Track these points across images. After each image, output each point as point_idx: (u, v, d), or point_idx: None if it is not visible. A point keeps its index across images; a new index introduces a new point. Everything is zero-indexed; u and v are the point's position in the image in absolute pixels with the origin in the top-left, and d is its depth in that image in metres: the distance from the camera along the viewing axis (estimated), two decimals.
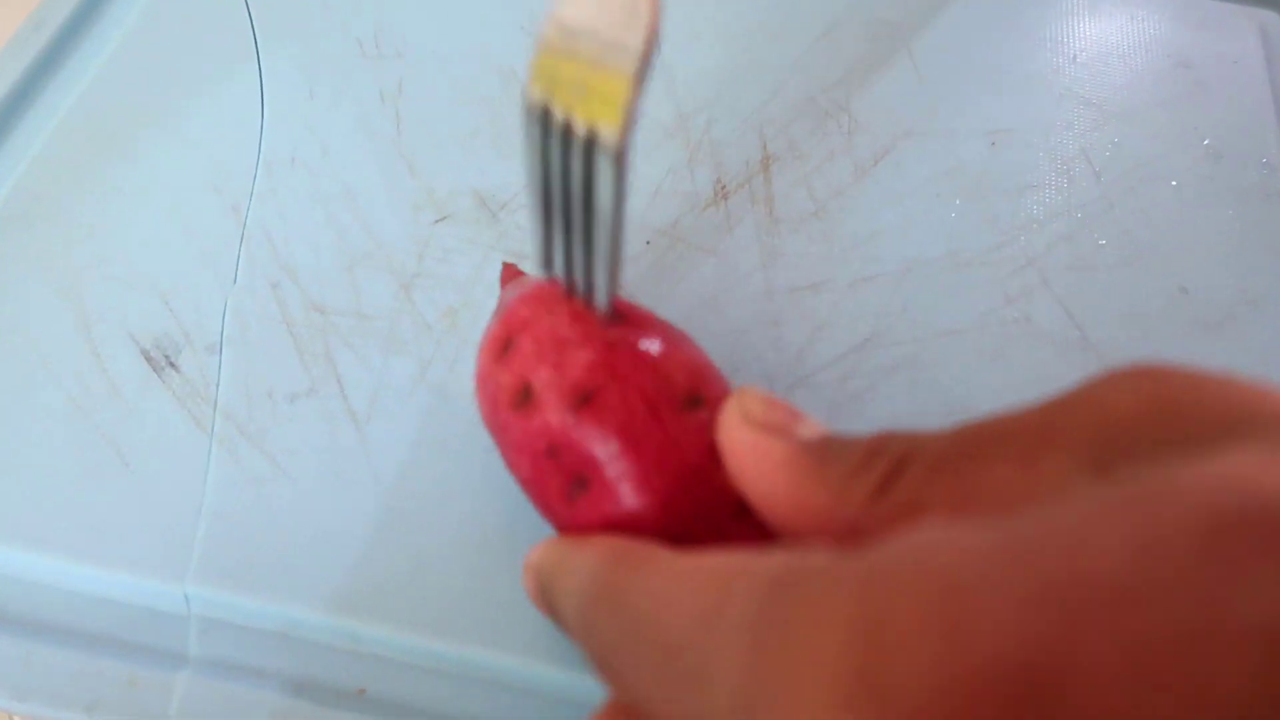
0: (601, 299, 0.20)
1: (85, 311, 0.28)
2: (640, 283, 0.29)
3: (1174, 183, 0.32)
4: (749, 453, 0.18)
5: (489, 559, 0.24)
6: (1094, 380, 0.15)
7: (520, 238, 0.30)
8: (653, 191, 0.31)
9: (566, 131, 0.17)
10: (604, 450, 0.19)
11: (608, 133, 0.16)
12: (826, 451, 0.17)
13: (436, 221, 0.30)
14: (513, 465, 0.22)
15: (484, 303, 0.28)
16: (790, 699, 0.11)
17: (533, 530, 0.24)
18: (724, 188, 0.31)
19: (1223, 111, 0.34)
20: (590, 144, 0.17)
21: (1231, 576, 0.10)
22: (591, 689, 0.23)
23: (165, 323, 0.28)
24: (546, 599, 0.20)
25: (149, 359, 0.27)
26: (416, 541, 0.24)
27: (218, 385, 0.27)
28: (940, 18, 0.36)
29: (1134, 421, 0.13)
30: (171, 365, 0.27)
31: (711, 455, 0.19)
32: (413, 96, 0.33)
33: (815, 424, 0.18)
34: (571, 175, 0.18)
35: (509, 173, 0.31)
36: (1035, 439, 0.14)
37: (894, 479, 0.16)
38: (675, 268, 0.29)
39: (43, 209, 0.30)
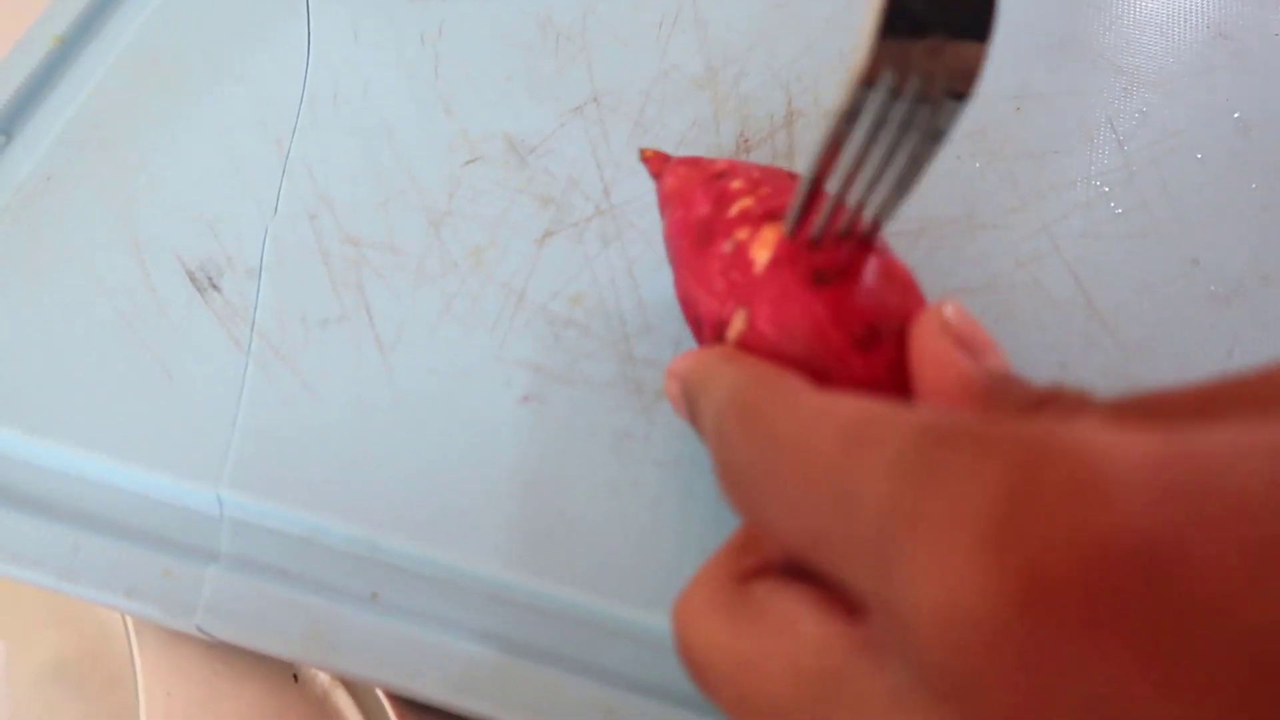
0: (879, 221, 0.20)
1: (136, 234, 0.30)
2: (658, 231, 0.30)
3: (1199, 155, 0.32)
4: (934, 360, 0.18)
5: (497, 480, 0.26)
6: (1265, 367, 0.15)
7: (547, 181, 0.31)
8: (677, 143, 0.32)
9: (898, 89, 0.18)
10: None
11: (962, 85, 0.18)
12: (1006, 384, 0.18)
13: (468, 163, 0.31)
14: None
15: (509, 243, 0.30)
16: (933, 534, 0.12)
17: (538, 453, 0.26)
18: (747, 141, 0.32)
19: (1258, 84, 0.34)
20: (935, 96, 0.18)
21: None
22: (593, 609, 0.24)
23: (210, 247, 0.29)
24: (690, 404, 0.21)
25: (194, 280, 0.29)
26: (431, 461, 0.26)
27: (255, 307, 0.28)
28: None
29: None
30: (214, 287, 0.29)
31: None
32: (452, 40, 0.34)
33: (1003, 358, 0.19)
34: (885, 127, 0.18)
35: (540, 117, 0.32)
36: (1196, 410, 0.15)
37: (1047, 408, 0.16)
38: None
39: (100, 136, 0.32)
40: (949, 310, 0.19)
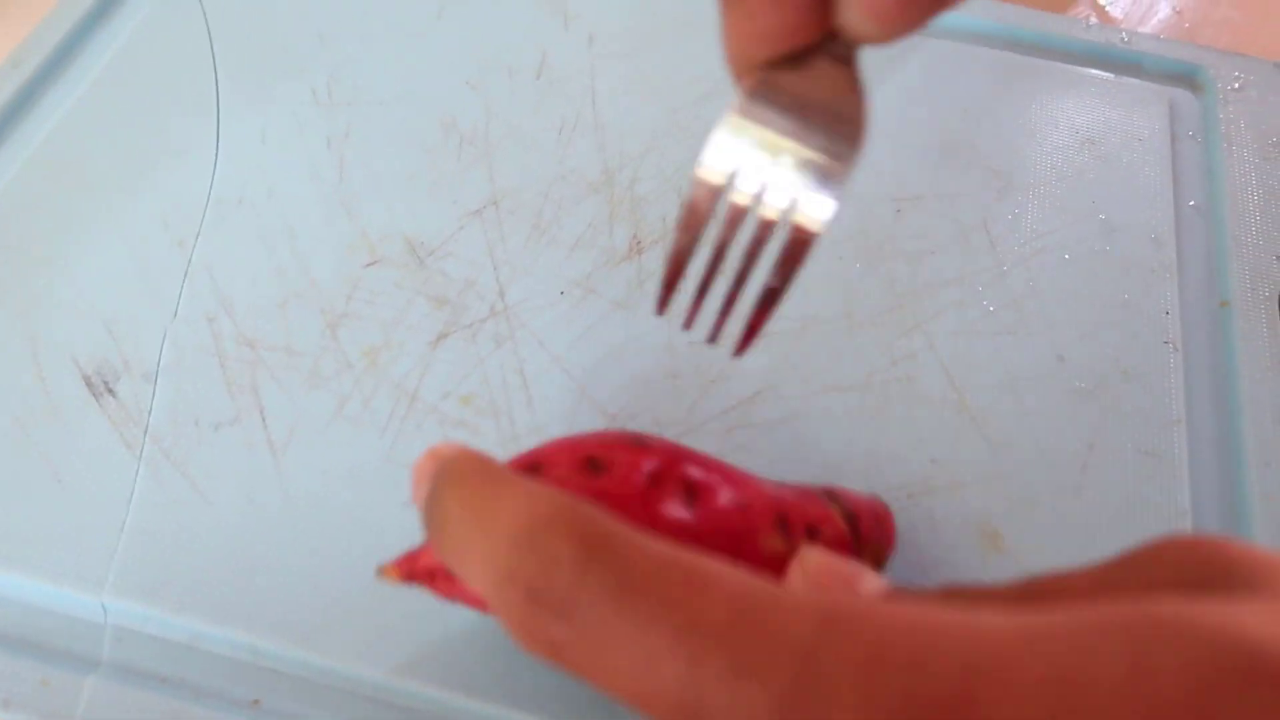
0: (742, 346, 0.21)
1: (35, 335, 0.30)
2: (551, 331, 0.31)
3: (1066, 255, 0.34)
4: None
5: (386, 586, 0.26)
6: (1154, 543, 0.16)
7: (444, 282, 0.32)
8: (572, 244, 0.33)
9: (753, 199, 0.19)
10: None
11: (829, 176, 0.19)
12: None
13: (368, 265, 0.32)
14: None
15: (404, 344, 0.31)
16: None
17: None
18: (639, 243, 0.33)
19: (1121, 187, 0.36)
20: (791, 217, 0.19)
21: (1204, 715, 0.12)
22: (472, 711, 0.25)
23: (107, 350, 0.30)
24: (444, 500, 0.18)
25: (89, 384, 0.29)
26: (317, 564, 0.27)
27: (150, 411, 0.29)
28: None
29: (1176, 577, 0.15)
30: (109, 390, 0.29)
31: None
32: (358, 143, 0.35)
33: (876, 580, 0.20)
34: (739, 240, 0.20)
35: (441, 219, 0.33)
36: (1095, 592, 0.16)
37: None
38: (586, 318, 0.32)
39: (4, 237, 0.32)
40: (807, 559, 0.20)
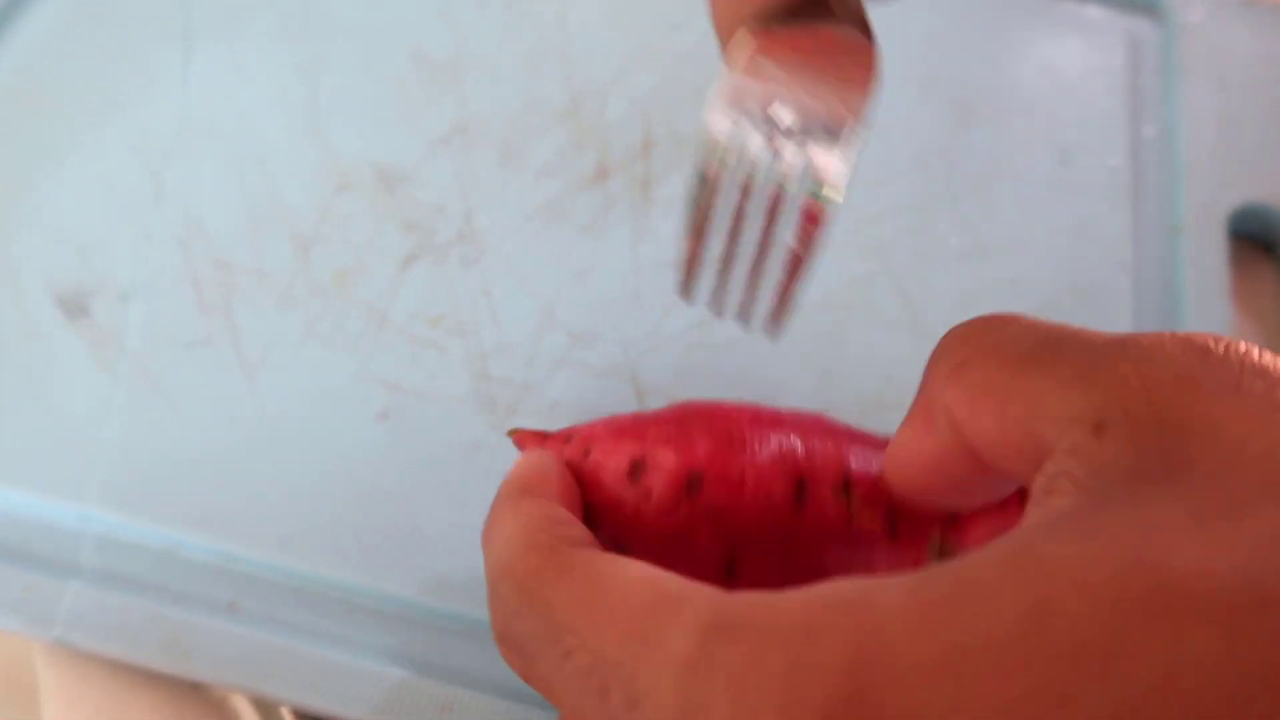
0: (776, 326, 0.21)
1: (10, 259, 0.31)
2: (518, 254, 0.32)
3: (1023, 181, 0.35)
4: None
5: (353, 492, 0.27)
6: (1153, 338, 0.15)
7: (413, 207, 0.33)
8: (539, 170, 0.34)
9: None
10: None
11: (832, 188, 0.18)
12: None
13: (337, 190, 0.33)
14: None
15: (374, 267, 0.31)
16: None
17: (395, 466, 0.28)
18: (605, 170, 0.34)
19: (1079, 115, 0.37)
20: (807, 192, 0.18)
21: (1108, 658, 0.11)
22: (439, 612, 0.26)
23: (81, 273, 0.31)
24: (485, 530, 0.20)
25: (64, 305, 0.30)
26: (290, 476, 0.28)
27: (124, 331, 0.30)
28: None
29: (1140, 408, 0.14)
30: (84, 312, 0.30)
31: None
32: (328, 72, 0.35)
33: None
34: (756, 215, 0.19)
35: (409, 147, 0.34)
36: (1080, 371, 0.15)
37: (969, 362, 0.17)
38: (552, 241, 0.32)
39: None
40: None
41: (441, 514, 0.27)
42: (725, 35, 0.19)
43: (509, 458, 0.28)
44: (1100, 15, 0.40)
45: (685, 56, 0.37)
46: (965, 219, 0.34)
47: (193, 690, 0.28)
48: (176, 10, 0.36)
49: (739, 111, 0.18)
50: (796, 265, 0.19)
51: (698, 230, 0.20)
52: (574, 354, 0.30)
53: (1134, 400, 0.14)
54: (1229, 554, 0.11)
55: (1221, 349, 0.15)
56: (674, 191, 0.34)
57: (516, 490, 0.21)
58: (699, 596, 0.15)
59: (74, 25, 0.36)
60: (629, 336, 0.31)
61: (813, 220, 0.19)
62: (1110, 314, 0.33)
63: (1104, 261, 0.34)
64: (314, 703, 0.25)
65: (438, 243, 0.32)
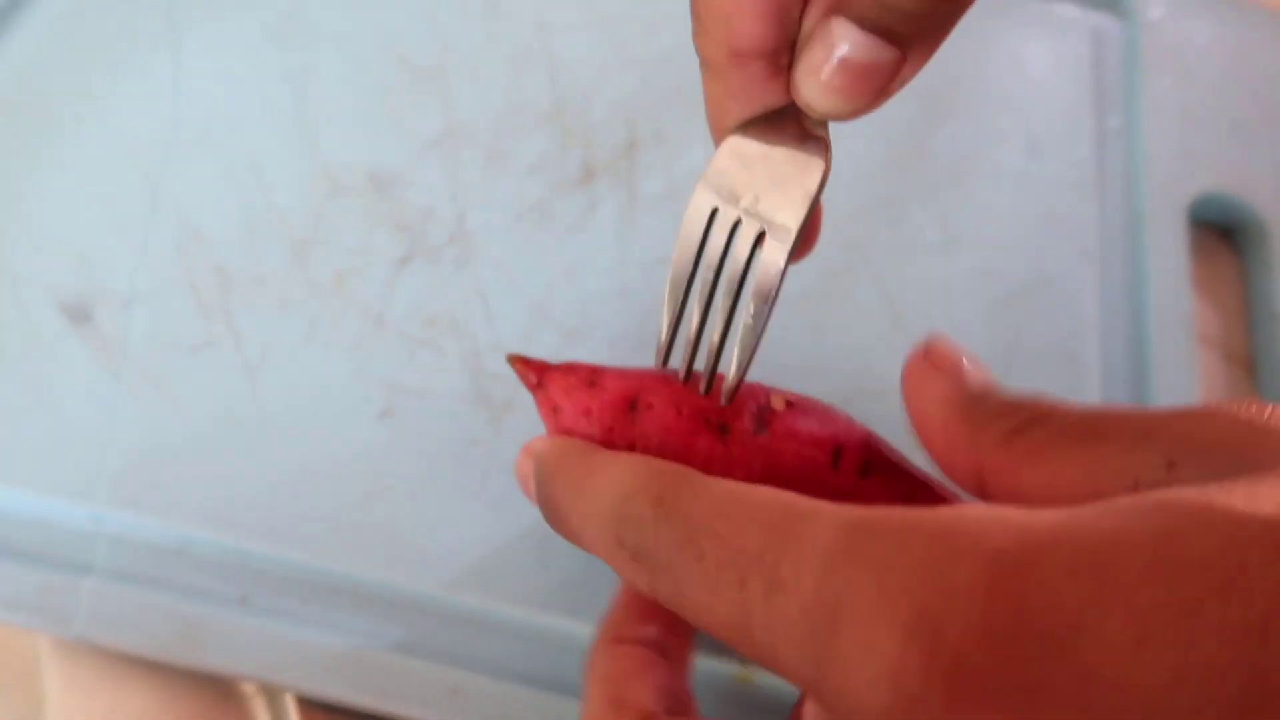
0: (729, 387, 0.22)
1: (12, 269, 0.31)
2: (508, 253, 0.33)
3: (992, 173, 0.36)
4: (920, 383, 0.21)
5: (358, 489, 0.28)
6: (1197, 406, 0.17)
7: (404, 210, 0.34)
8: (526, 171, 0.35)
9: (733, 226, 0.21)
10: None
11: (783, 229, 0.20)
12: (980, 396, 0.20)
13: (330, 196, 0.34)
14: None
15: (369, 269, 0.32)
16: (860, 619, 0.14)
17: (396, 461, 0.29)
18: (590, 169, 0.35)
19: (1046, 108, 0.38)
20: (762, 235, 0.21)
21: (1230, 582, 0.13)
22: (440, 600, 0.27)
23: (83, 280, 0.31)
24: (555, 502, 0.21)
25: (67, 311, 0.31)
26: (295, 474, 0.29)
27: (128, 336, 0.30)
28: None
29: (1206, 445, 0.16)
30: (88, 318, 0.31)
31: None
32: (315, 79, 0.36)
33: (983, 375, 0.21)
34: (722, 269, 0.21)
35: (399, 151, 0.35)
36: (1139, 433, 0.17)
37: (1024, 431, 0.18)
38: (541, 241, 0.33)
39: None
40: (933, 342, 0.22)
41: (443, 506, 0.28)
42: (717, 139, 0.21)
43: (504, 449, 0.29)
44: (1066, 12, 0.41)
45: (664, 57, 0.38)
46: (939, 211, 0.35)
47: (197, 684, 0.29)
48: (165, 21, 0.37)
49: (715, 192, 0.21)
50: (748, 336, 0.21)
51: (673, 314, 0.22)
52: (565, 350, 0.31)
53: (1197, 442, 0.16)
54: None
55: (1270, 407, 0.17)
56: (658, 189, 0.35)
57: (578, 452, 0.22)
58: (835, 507, 0.16)
59: (65, 38, 0.36)
60: (618, 331, 0.32)
61: (758, 294, 0.21)
62: (1076, 300, 0.34)
63: (1069, 250, 0.35)
64: (325, 690, 0.26)
65: (430, 244, 0.33)
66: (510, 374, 0.30)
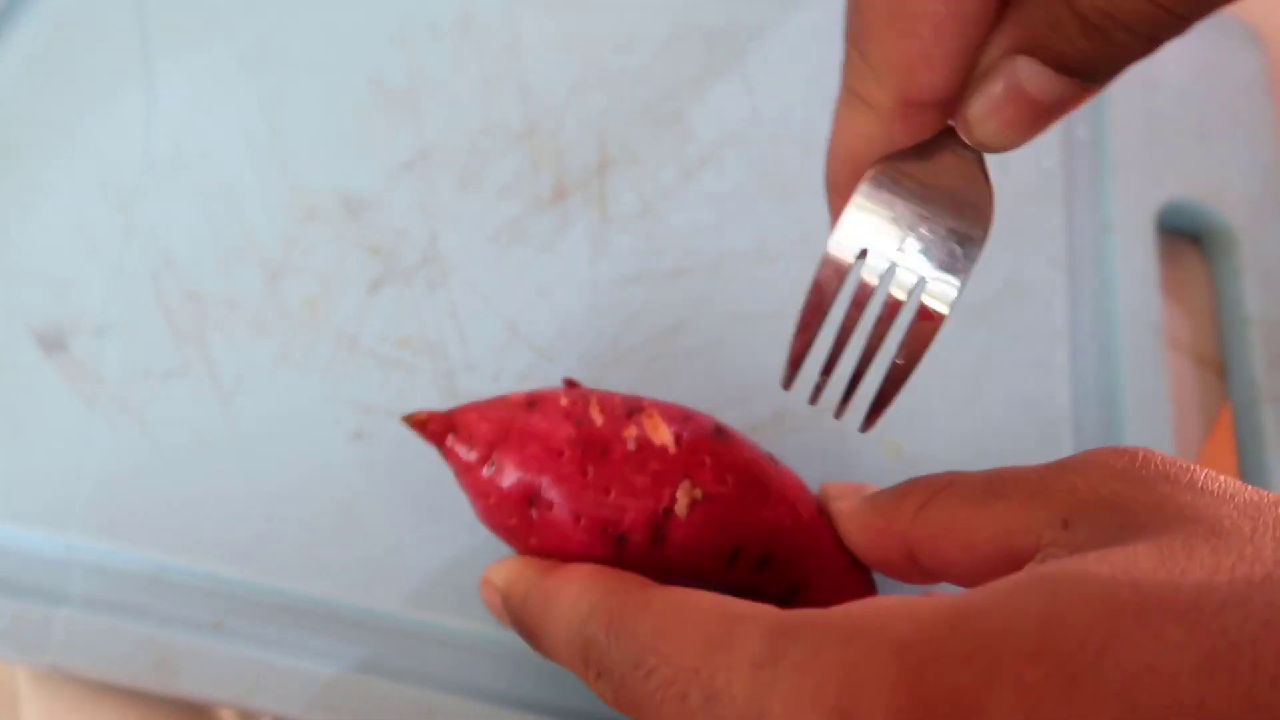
0: (869, 422, 0.22)
1: None
2: (481, 274, 0.33)
3: None
4: (835, 511, 0.25)
5: (331, 512, 0.28)
6: (1081, 458, 0.19)
7: (377, 233, 0.34)
8: (499, 192, 0.35)
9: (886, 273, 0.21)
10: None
11: (939, 300, 0.20)
12: (881, 491, 0.23)
13: (303, 219, 0.34)
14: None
15: (342, 292, 0.32)
16: (788, 716, 0.16)
17: (370, 483, 0.29)
18: (563, 189, 0.35)
19: None
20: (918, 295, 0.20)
21: (1104, 649, 0.14)
22: (417, 621, 0.27)
23: (57, 308, 0.31)
24: (526, 627, 0.23)
25: (41, 340, 0.31)
26: (269, 498, 0.29)
27: (101, 364, 0.30)
28: (774, 31, 0.40)
29: (1094, 502, 0.18)
30: (62, 347, 0.31)
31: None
32: (288, 103, 0.36)
33: (875, 488, 0.24)
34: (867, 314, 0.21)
35: (372, 174, 0.35)
36: (1034, 492, 0.19)
37: (932, 503, 0.21)
38: (513, 260, 0.34)
39: None
40: (825, 487, 0.26)
41: (417, 527, 0.28)
42: (842, 170, 0.21)
43: None
44: None
45: (635, 76, 0.38)
46: None
47: (176, 710, 0.29)
48: (139, 49, 0.37)
49: (861, 230, 0.21)
50: (899, 375, 0.21)
51: (806, 334, 0.22)
52: (539, 369, 0.32)
53: (1086, 498, 0.18)
54: (1188, 576, 0.15)
55: (1142, 455, 0.19)
56: (629, 208, 0.35)
57: (534, 574, 0.23)
58: (761, 611, 0.18)
59: (37, 67, 0.37)
60: (591, 350, 0.32)
61: (921, 332, 0.21)
62: (1045, 308, 0.34)
63: (1038, 259, 0.35)
64: (300, 715, 0.26)
65: (403, 266, 0.33)
66: (483, 394, 0.30)
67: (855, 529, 0.24)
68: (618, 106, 0.38)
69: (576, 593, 0.22)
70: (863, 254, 0.21)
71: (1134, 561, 0.15)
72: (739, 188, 0.36)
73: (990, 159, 0.20)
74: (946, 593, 0.17)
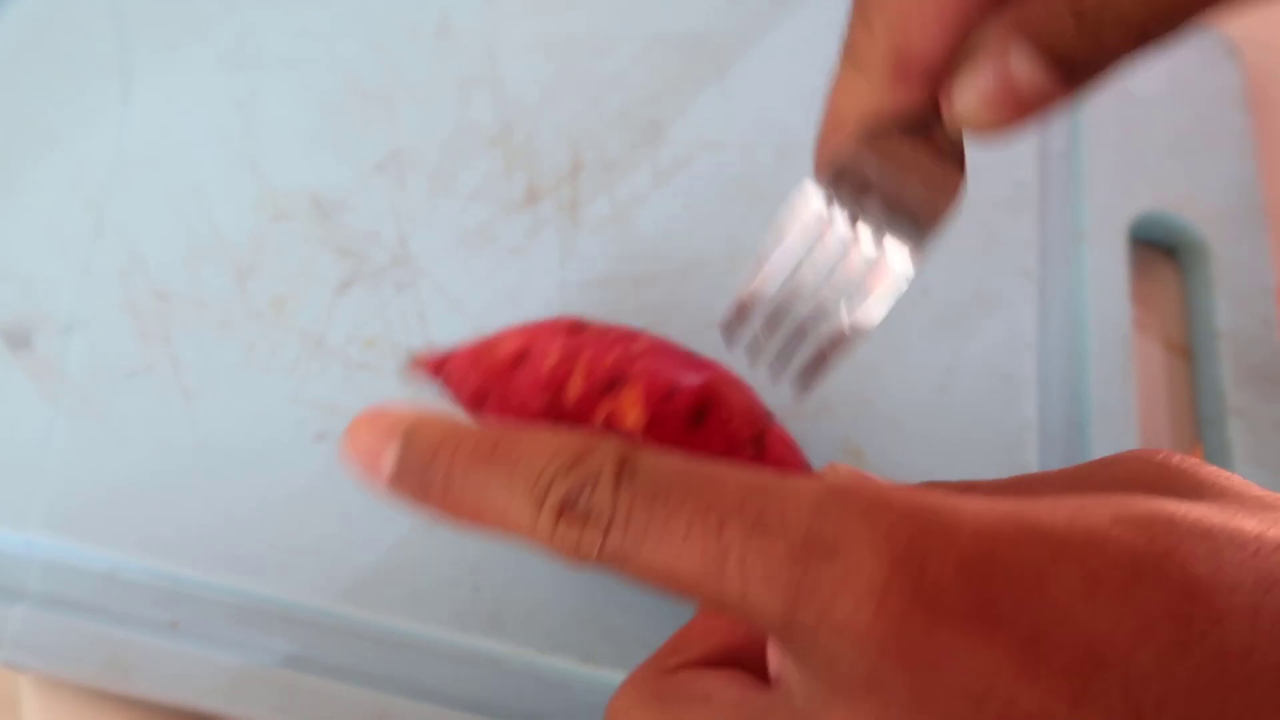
0: (806, 387, 0.22)
1: None
2: (450, 277, 0.33)
3: None
4: None
5: (290, 512, 0.28)
6: (1115, 458, 0.20)
7: (347, 234, 0.34)
8: (470, 195, 0.35)
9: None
10: None
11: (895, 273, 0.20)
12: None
13: (274, 219, 0.34)
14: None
15: (310, 293, 0.32)
16: (850, 551, 0.16)
17: (331, 485, 0.29)
18: (535, 193, 0.35)
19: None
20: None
21: (1169, 552, 0.15)
22: (371, 623, 0.27)
23: (23, 306, 0.31)
24: (431, 468, 0.19)
25: (7, 338, 0.31)
26: (230, 498, 0.29)
27: (66, 362, 0.30)
28: (751, 38, 0.40)
29: (1140, 485, 0.18)
30: (27, 344, 0.31)
31: None
32: (263, 103, 0.36)
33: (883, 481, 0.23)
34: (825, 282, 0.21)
35: (344, 174, 0.35)
36: (1070, 485, 0.19)
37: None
38: (483, 264, 0.34)
39: None
40: (834, 467, 0.23)
41: (375, 529, 0.28)
42: (832, 137, 0.22)
43: None
44: None
45: (610, 82, 0.38)
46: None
47: (176, 717, 0.29)
48: (113, 45, 0.37)
49: (833, 188, 0.21)
50: (840, 340, 0.21)
51: (754, 294, 0.22)
52: None
53: (1129, 484, 0.18)
54: (1247, 522, 0.16)
55: (1173, 453, 0.19)
56: (601, 213, 0.35)
57: (478, 429, 0.20)
58: (806, 480, 0.17)
59: (11, 61, 0.37)
60: None
61: (875, 298, 0.21)
62: (1015, 319, 0.34)
63: (1009, 269, 0.35)
64: (254, 716, 0.26)
65: (372, 268, 0.33)
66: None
67: None
68: (592, 111, 0.38)
69: (565, 437, 0.18)
70: (831, 213, 0.21)
71: (1192, 506, 0.16)
72: (711, 193, 0.36)
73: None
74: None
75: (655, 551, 0.17)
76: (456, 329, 0.32)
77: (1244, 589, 0.15)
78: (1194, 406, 0.36)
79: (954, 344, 0.34)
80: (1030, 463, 0.32)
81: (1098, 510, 0.16)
